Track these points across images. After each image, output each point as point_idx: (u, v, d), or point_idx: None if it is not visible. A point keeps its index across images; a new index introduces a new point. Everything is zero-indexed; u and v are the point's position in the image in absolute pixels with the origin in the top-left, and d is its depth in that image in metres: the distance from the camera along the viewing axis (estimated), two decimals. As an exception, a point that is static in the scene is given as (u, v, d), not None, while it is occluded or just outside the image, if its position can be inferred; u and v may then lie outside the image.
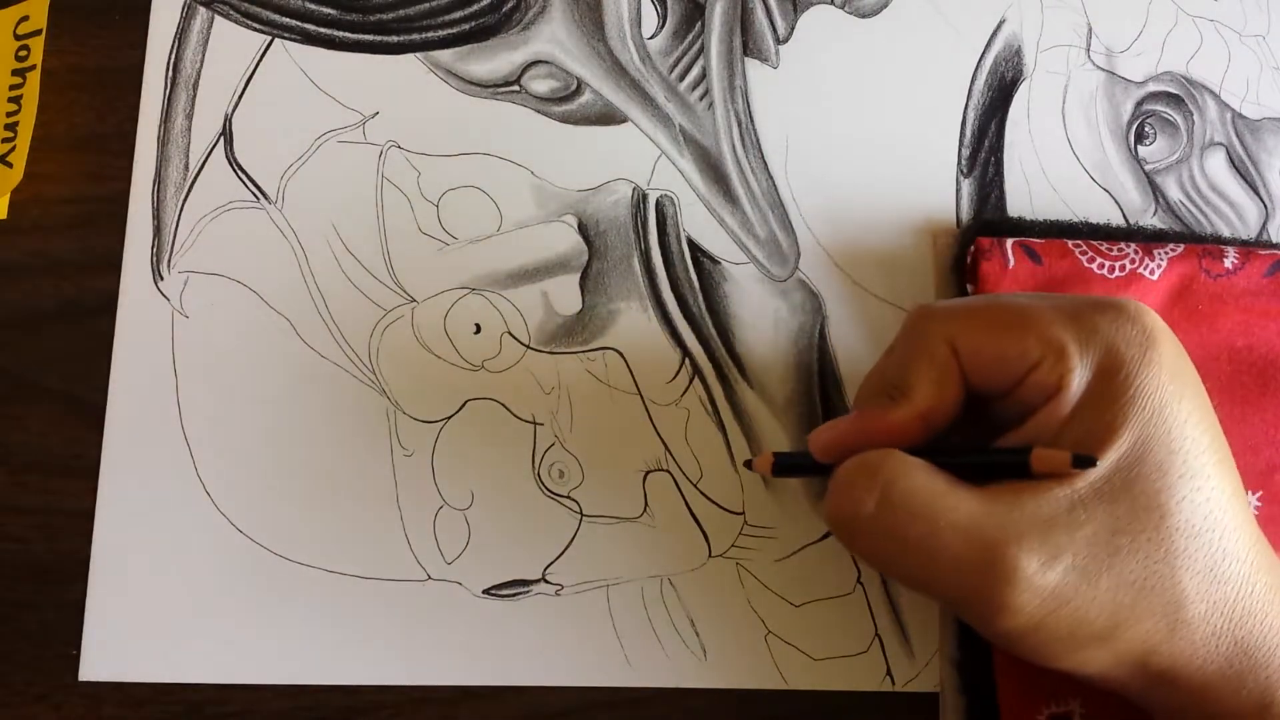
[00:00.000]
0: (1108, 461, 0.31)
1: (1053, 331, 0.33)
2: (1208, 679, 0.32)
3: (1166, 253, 0.44)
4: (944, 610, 0.43)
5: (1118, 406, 0.32)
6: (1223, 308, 0.44)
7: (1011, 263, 0.43)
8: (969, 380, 0.35)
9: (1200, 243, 0.46)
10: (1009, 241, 0.44)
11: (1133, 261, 0.43)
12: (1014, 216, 0.47)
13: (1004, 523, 0.31)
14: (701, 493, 0.44)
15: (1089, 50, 0.50)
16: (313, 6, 0.46)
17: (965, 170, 0.48)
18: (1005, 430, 0.35)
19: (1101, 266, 0.43)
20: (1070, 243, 0.44)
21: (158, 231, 0.44)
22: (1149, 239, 0.45)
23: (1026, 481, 0.32)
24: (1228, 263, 0.44)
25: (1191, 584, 0.31)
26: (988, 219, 0.46)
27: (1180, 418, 0.32)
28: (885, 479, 0.33)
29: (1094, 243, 0.44)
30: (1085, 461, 0.31)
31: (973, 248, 0.44)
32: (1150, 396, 0.32)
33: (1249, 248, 0.45)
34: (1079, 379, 0.33)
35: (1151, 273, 0.43)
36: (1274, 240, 0.49)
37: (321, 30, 0.46)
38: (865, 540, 0.34)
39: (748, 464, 0.41)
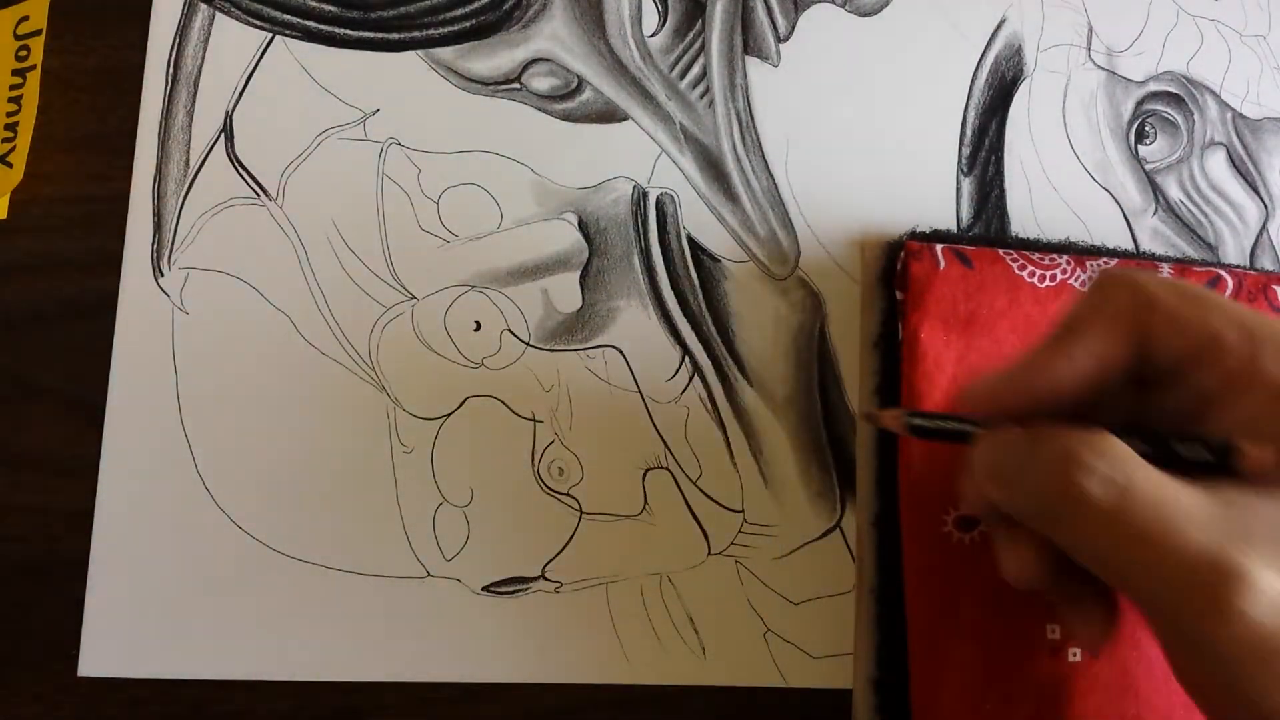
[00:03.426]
0: None
1: (1243, 318, 0.31)
2: None
3: (1099, 265, 0.44)
4: (860, 626, 0.43)
5: None
6: None
7: (942, 265, 0.43)
8: (1145, 340, 0.32)
9: (1135, 259, 0.45)
10: (939, 245, 0.44)
11: (1064, 272, 0.43)
12: (944, 230, 0.46)
13: (1234, 524, 0.28)
14: (701, 490, 0.44)
15: (1089, 50, 0.50)
16: (314, 4, 0.46)
17: (965, 169, 0.48)
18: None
19: (1032, 275, 0.43)
20: (1002, 250, 0.44)
21: (158, 228, 0.44)
22: (1081, 254, 0.45)
23: (1248, 483, 0.30)
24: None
25: None
26: (919, 232, 0.46)
27: None
28: (1117, 464, 0.30)
29: (1026, 253, 0.44)
30: None
31: (903, 252, 0.44)
32: None
33: (1184, 264, 0.45)
34: (1270, 371, 0.30)
35: (1082, 284, 0.43)
36: (1274, 241, 0.49)
37: (322, 27, 0.46)
38: (1089, 529, 0.30)
39: (868, 417, 0.38)
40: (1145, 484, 0.29)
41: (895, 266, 0.44)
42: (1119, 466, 0.30)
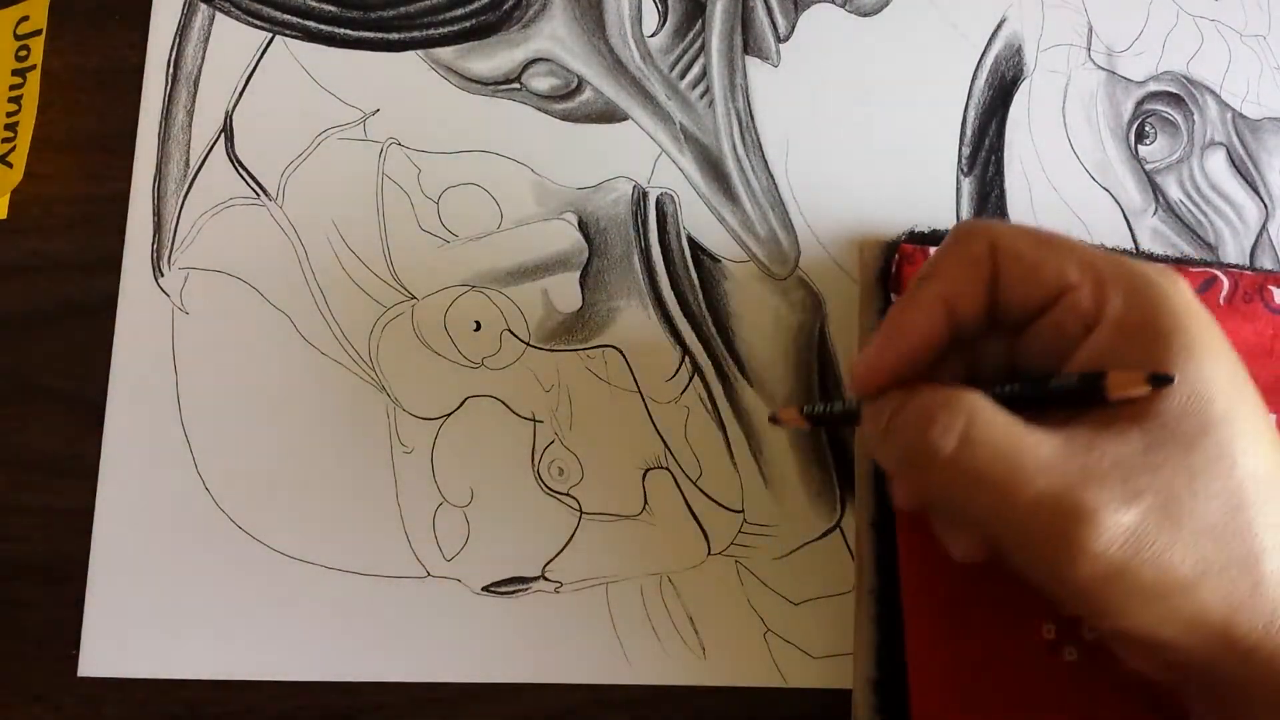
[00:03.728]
0: (1177, 402, 0.31)
1: (1092, 260, 0.33)
2: None
3: None
4: (860, 626, 0.43)
5: (1176, 346, 0.31)
6: None
7: None
8: (1001, 286, 0.34)
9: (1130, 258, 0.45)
10: (932, 249, 0.44)
11: None
12: (943, 230, 0.46)
13: (1082, 463, 0.30)
14: (701, 490, 0.44)
15: (1089, 50, 0.50)
16: (314, 4, 0.46)
17: (965, 169, 0.48)
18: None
19: None
20: None
21: (158, 228, 0.44)
22: None
23: (1100, 421, 0.31)
24: None
25: (1267, 536, 0.30)
26: (917, 232, 0.46)
27: (1233, 372, 0.32)
28: (965, 416, 0.31)
29: None
30: (1163, 380, 0.30)
31: (897, 255, 0.44)
32: (1205, 344, 0.31)
33: (1180, 265, 0.45)
34: (1117, 306, 0.32)
35: None
36: (1274, 240, 0.49)
37: (322, 27, 0.46)
38: (940, 480, 0.32)
39: (773, 419, 0.40)
40: (989, 432, 0.31)
41: (891, 267, 0.44)
42: (963, 416, 0.31)
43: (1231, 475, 0.31)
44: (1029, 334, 0.35)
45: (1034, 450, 0.31)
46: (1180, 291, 0.32)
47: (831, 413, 0.38)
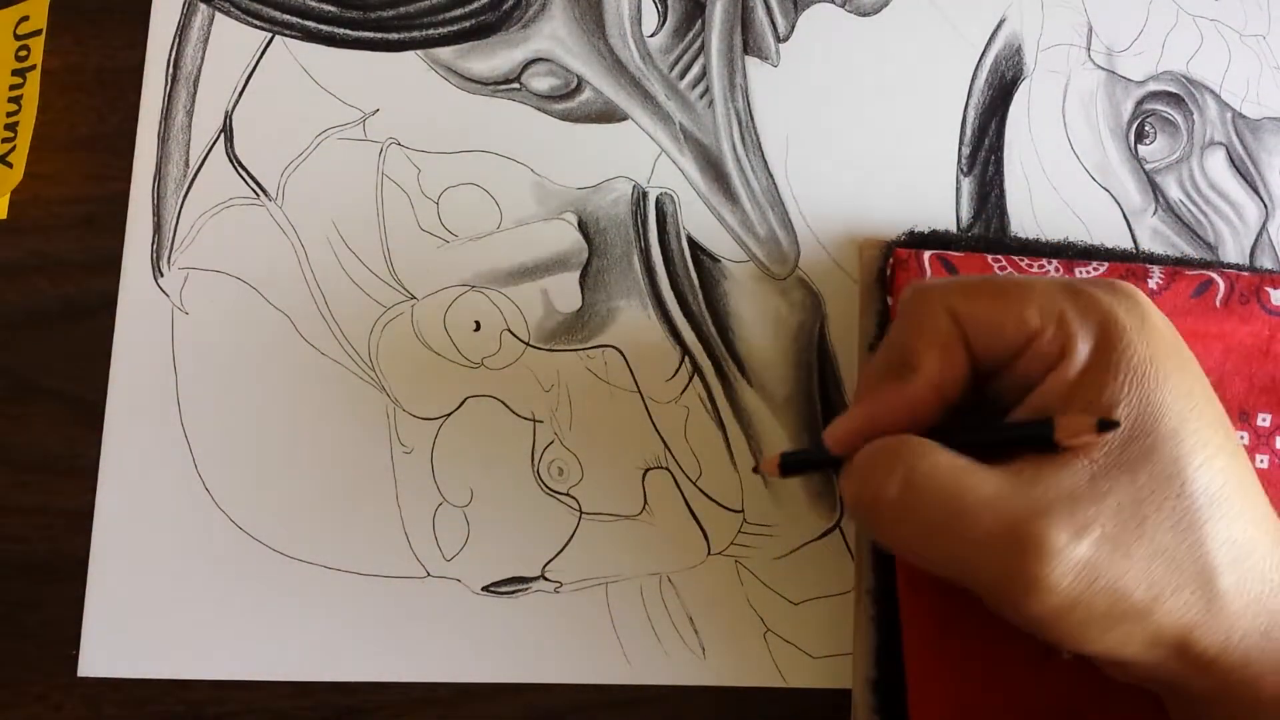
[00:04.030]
0: (1123, 429, 0.31)
1: (1051, 301, 0.33)
2: (1248, 656, 0.31)
3: (1089, 271, 0.43)
4: (859, 627, 0.43)
5: (1123, 375, 0.31)
6: None
7: (928, 273, 0.43)
8: (971, 351, 0.34)
9: (1126, 261, 0.45)
10: (926, 254, 0.44)
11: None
12: (942, 231, 0.46)
13: (1029, 498, 0.30)
14: (701, 490, 0.44)
15: (1089, 49, 0.50)
16: (313, 4, 0.46)
17: (965, 169, 0.48)
18: (1007, 410, 0.34)
19: None
20: (990, 258, 0.44)
21: (158, 228, 0.44)
22: (1076, 256, 0.45)
23: (1046, 455, 0.31)
24: (1152, 283, 0.43)
25: (1220, 553, 0.31)
26: (916, 232, 0.46)
27: (1184, 388, 0.32)
28: (907, 462, 0.32)
29: (1015, 259, 0.44)
30: (1109, 425, 0.31)
31: (890, 259, 0.44)
32: (1154, 364, 0.31)
33: (1177, 268, 0.45)
34: (1081, 347, 0.32)
35: None
36: (1274, 240, 0.49)
37: (322, 27, 0.46)
38: (890, 525, 0.33)
39: (756, 469, 0.40)
40: (931, 474, 0.32)
41: (888, 271, 0.44)
42: (904, 462, 0.32)
43: (1181, 495, 0.31)
44: (996, 377, 0.35)
45: (977, 489, 0.31)
46: (1130, 311, 0.33)
47: (806, 459, 0.39)
